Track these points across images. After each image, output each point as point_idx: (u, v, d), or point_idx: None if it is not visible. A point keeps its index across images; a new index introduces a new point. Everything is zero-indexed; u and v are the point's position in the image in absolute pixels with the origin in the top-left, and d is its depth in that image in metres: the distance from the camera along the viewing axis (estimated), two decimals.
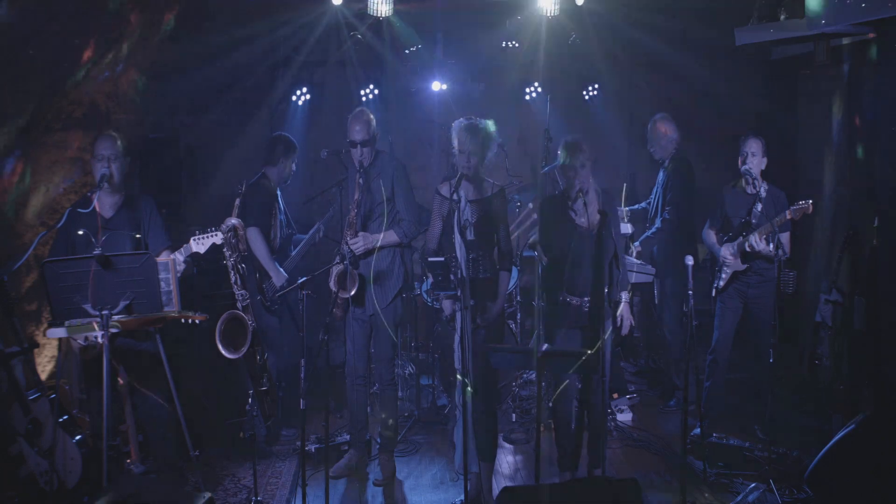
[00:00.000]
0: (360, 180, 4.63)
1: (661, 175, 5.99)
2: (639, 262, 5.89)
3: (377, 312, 4.78)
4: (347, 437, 5.15)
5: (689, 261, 4.22)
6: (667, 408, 6.03)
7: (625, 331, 4.63)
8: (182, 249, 4.38)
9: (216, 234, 4.42)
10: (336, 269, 4.67)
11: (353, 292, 4.63)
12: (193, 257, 4.47)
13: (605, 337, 4.55)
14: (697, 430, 5.03)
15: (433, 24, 6.55)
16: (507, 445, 5.42)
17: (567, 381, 4.64)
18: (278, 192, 5.51)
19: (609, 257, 4.47)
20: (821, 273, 6.09)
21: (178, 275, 4.37)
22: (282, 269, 5.31)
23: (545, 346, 3.85)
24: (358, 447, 5.04)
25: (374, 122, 4.70)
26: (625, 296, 4.59)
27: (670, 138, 5.89)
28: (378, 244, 4.71)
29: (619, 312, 4.59)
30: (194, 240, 4.39)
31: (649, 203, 6.10)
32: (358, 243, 4.64)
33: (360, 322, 4.84)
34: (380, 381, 4.96)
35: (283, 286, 5.24)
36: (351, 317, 4.82)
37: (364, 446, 5.07)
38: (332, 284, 4.73)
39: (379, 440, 5.02)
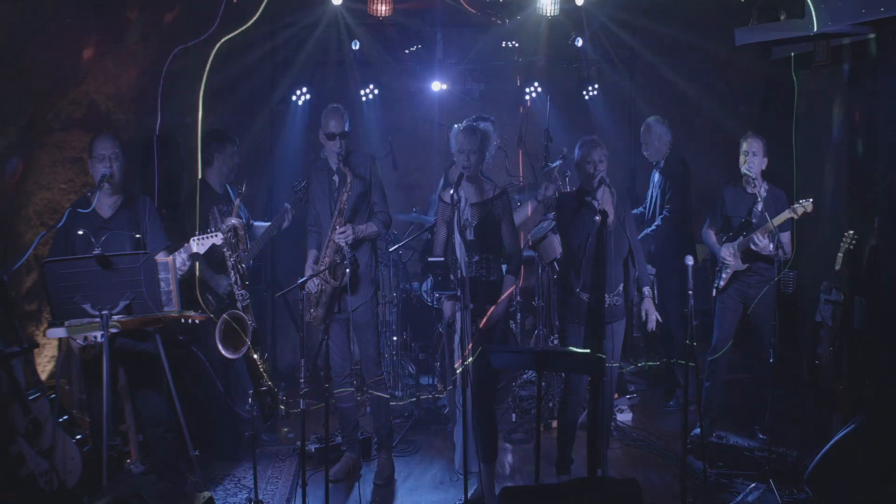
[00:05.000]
0: (346, 171, 4.66)
1: (656, 176, 6.01)
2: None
3: (361, 308, 4.81)
4: (339, 439, 5.15)
5: (689, 261, 4.23)
6: (667, 408, 6.03)
7: (651, 325, 4.61)
8: (182, 249, 4.37)
9: (216, 235, 4.41)
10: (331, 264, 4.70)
11: (345, 281, 4.62)
12: (193, 258, 4.47)
13: (615, 335, 4.57)
14: (697, 430, 5.03)
15: (433, 24, 6.55)
16: (507, 445, 5.42)
17: (576, 383, 4.66)
18: (230, 189, 5.32)
19: (624, 255, 4.49)
20: (821, 273, 6.09)
21: (179, 276, 4.37)
22: (221, 277, 5.07)
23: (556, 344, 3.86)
24: (352, 448, 5.05)
25: (347, 117, 4.78)
26: (647, 291, 4.58)
27: (663, 140, 5.91)
28: (361, 236, 4.74)
29: (643, 307, 4.58)
30: (195, 240, 4.39)
31: (645, 207, 6.10)
32: (347, 232, 4.65)
33: (339, 322, 4.85)
34: (367, 378, 4.96)
35: (243, 294, 4.99)
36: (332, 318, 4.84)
37: (359, 447, 5.08)
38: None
39: (376, 438, 5.03)
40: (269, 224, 5.36)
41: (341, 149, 4.71)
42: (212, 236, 4.40)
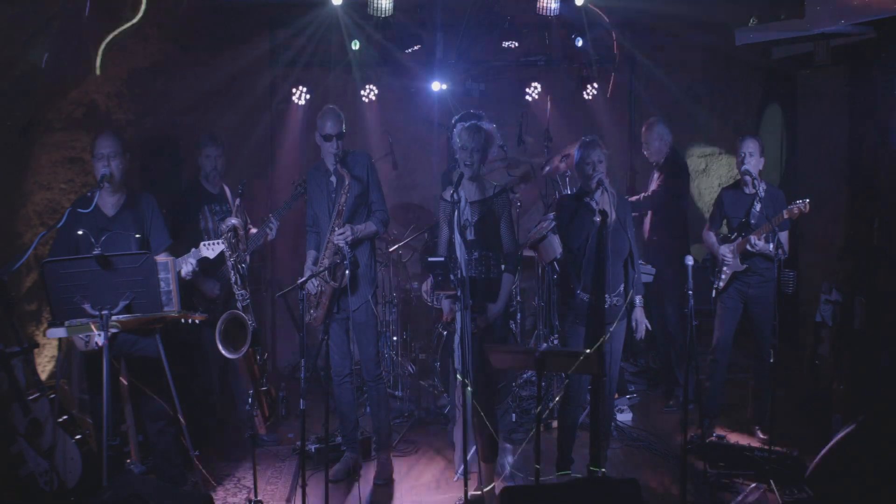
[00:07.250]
0: (344, 172, 4.67)
1: (655, 175, 6.01)
2: (640, 262, 5.89)
3: (361, 308, 4.81)
4: (340, 439, 5.15)
5: (689, 261, 4.23)
6: (667, 408, 6.03)
7: (640, 335, 4.62)
8: (191, 255, 4.37)
9: (224, 243, 4.45)
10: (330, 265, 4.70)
11: (344, 282, 4.62)
12: (202, 263, 4.48)
13: (616, 335, 4.57)
14: (698, 431, 5.02)
15: (433, 24, 6.55)
16: (507, 445, 5.41)
17: (577, 383, 4.65)
18: (228, 190, 5.35)
19: (625, 255, 4.49)
20: (821, 273, 6.09)
21: (188, 277, 4.37)
22: (212, 280, 5.12)
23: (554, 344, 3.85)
24: (352, 448, 5.05)
25: (343, 118, 4.79)
26: (639, 300, 4.60)
27: (664, 140, 5.93)
28: (360, 235, 4.75)
29: (633, 316, 4.59)
30: (204, 245, 4.40)
31: (639, 198, 6.09)
32: (346, 233, 4.66)
33: (339, 322, 4.85)
34: (366, 378, 4.96)
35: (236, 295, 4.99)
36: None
37: (359, 446, 5.08)
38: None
39: (376, 438, 5.03)
40: (255, 232, 5.38)
41: (338, 150, 4.72)
42: (221, 243, 4.42)
